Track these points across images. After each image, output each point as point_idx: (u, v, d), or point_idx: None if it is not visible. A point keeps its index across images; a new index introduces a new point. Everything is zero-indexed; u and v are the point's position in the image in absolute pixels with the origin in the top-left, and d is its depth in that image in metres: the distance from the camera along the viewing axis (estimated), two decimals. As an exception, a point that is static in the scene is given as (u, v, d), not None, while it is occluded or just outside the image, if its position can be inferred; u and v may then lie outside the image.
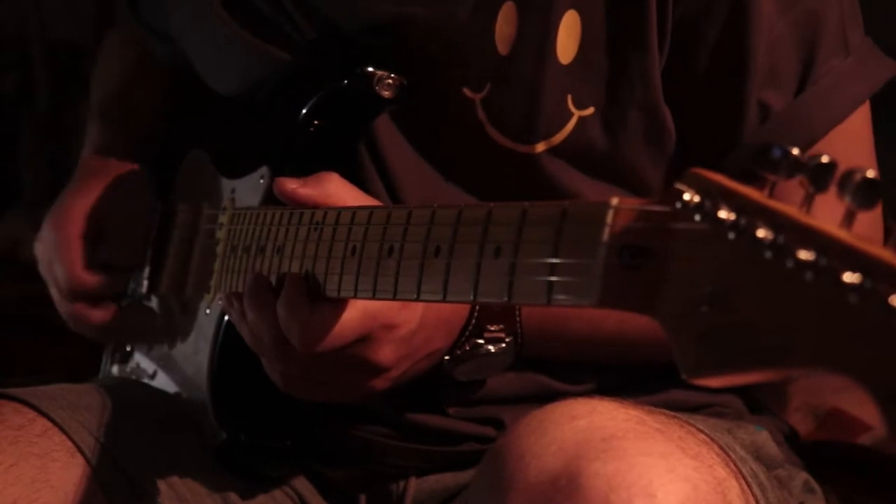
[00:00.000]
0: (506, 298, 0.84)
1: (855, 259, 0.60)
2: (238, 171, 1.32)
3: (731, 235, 0.67)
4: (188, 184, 1.42)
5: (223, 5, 1.32)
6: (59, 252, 1.37)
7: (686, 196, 0.71)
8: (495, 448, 1.00)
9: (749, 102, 1.16)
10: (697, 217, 0.70)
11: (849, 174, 0.64)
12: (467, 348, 1.16)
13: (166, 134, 1.51)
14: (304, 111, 1.23)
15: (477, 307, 1.15)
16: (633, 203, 0.76)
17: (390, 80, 1.20)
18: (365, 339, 1.07)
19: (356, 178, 1.24)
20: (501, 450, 0.99)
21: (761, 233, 0.64)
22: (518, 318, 1.17)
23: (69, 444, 1.24)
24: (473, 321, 1.16)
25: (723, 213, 0.68)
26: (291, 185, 1.10)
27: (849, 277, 0.59)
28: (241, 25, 1.31)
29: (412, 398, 1.24)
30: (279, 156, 1.26)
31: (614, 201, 0.77)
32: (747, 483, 1.04)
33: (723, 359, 0.67)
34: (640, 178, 1.19)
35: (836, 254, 0.60)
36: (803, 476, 1.25)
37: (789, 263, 0.62)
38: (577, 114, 1.18)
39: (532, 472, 0.95)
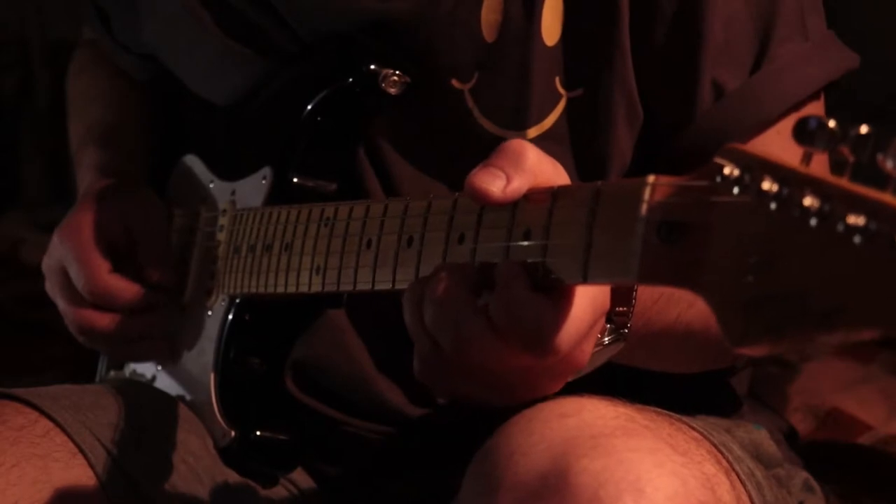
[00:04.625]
0: None
1: None
2: (237, 173, 1.32)
3: (774, 206, 0.68)
4: (181, 189, 1.43)
5: (214, 20, 1.32)
6: (77, 257, 1.34)
7: (726, 170, 0.72)
8: (485, 447, 1.00)
9: (703, 79, 1.15)
10: (736, 190, 0.71)
11: (890, 140, 0.65)
12: (598, 336, 0.94)
13: (157, 145, 1.51)
14: (307, 109, 1.24)
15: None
16: (671, 179, 0.77)
17: (395, 78, 1.21)
18: None
19: (353, 175, 1.24)
20: (491, 449, 0.99)
21: (808, 201, 0.66)
22: (633, 304, 0.97)
23: (71, 444, 1.24)
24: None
25: (766, 185, 0.69)
26: (492, 185, 0.87)
27: None
28: (233, 37, 1.32)
29: (405, 392, 1.25)
30: (281, 154, 1.27)
31: (651, 178, 0.77)
32: (741, 480, 1.05)
33: (770, 326, 0.68)
34: (624, 160, 1.19)
35: (887, 217, 0.62)
36: (803, 475, 1.25)
37: (839, 228, 0.64)
38: (566, 95, 1.18)
39: (521, 469, 0.94)
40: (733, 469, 1.05)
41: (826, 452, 1.68)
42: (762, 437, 1.23)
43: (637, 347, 1.00)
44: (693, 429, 1.06)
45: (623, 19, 1.14)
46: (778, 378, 1.96)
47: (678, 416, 1.07)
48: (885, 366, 1.98)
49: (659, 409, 1.06)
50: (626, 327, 0.96)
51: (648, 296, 1.04)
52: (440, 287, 0.88)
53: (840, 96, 1.23)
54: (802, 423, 1.80)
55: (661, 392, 1.12)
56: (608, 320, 0.95)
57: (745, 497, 1.04)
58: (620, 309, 0.96)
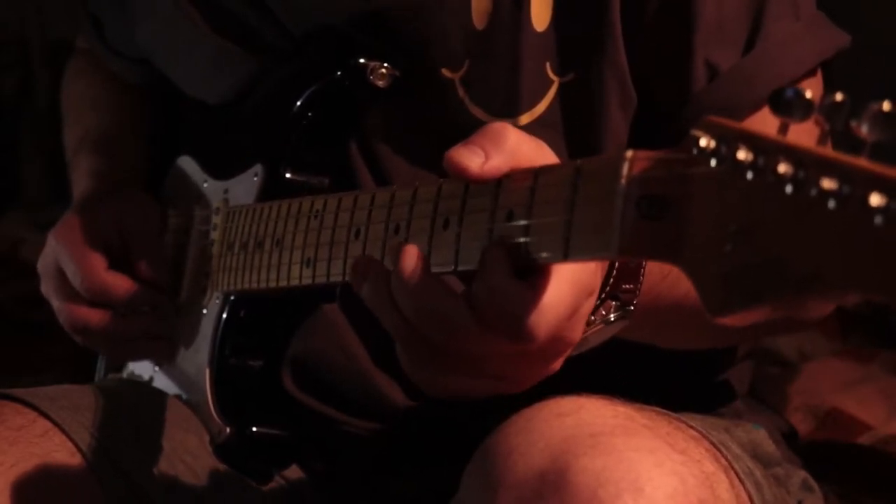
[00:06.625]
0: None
1: (878, 183, 0.61)
2: (230, 172, 1.32)
3: (750, 175, 0.68)
4: (177, 191, 1.43)
5: (204, 19, 1.32)
6: (73, 255, 1.34)
7: (702, 142, 0.72)
8: (484, 446, 1.00)
9: (696, 60, 1.15)
10: (714, 162, 0.71)
11: (865, 106, 0.65)
12: (603, 313, 0.95)
13: (154, 147, 1.52)
14: (297, 104, 1.24)
15: (616, 264, 0.95)
16: (650, 153, 0.77)
17: (383, 70, 1.20)
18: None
19: (346, 170, 1.24)
20: (489, 448, 0.99)
21: (782, 168, 0.66)
22: (641, 281, 0.96)
23: (69, 444, 1.25)
24: (612, 280, 0.94)
25: (741, 154, 0.69)
26: (469, 162, 0.86)
27: (875, 200, 0.60)
28: (224, 36, 1.32)
29: (403, 387, 1.25)
30: (272, 151, 1.27)
31: (629, 153, 0.77)
32: (740, 479, 1.05)
33: (749, 294, 0.68)
34: (618, 144, 1.18)
35: (859, 179, 0.62)
36: (801, 474, 1.25)
37: (812, 193, 0.64)
38: (557, 80, 1.18)
39: (520, 468, 0.95)
40: (732, 467, 1.05)
41: (826, 452, 1.68)
42: (761, 436, 1.23)
43: (644, 324, 0.99)
44: (691, 427, 1.06)
45: (614, 2, 1.14)
46: (778, 378, 1.97)
47: (676, 414, 1.07)
48: (885, 366, 1.98)
49: (657, 408, 1.06)
50: (632, 304, 0.95)
51: (658, 272, 1.03)
52: (413, 277, 0.86)
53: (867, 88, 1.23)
54: (802, 423, 1.80)
55: (655, 386, 1.12)
56: (615, 297, 0.94)
57: (744, 495, 1.04)
58: (627, 286, 0.95)
